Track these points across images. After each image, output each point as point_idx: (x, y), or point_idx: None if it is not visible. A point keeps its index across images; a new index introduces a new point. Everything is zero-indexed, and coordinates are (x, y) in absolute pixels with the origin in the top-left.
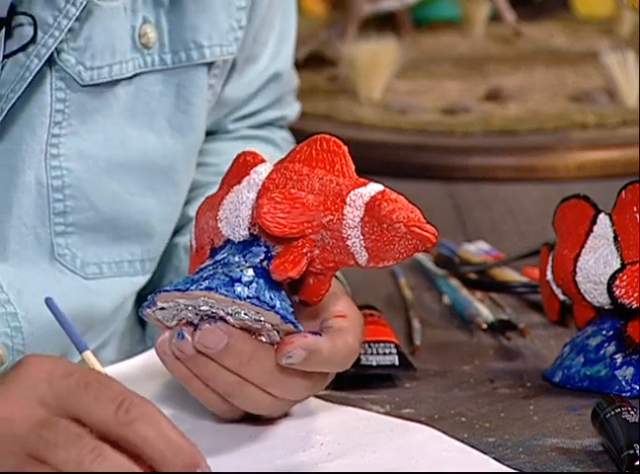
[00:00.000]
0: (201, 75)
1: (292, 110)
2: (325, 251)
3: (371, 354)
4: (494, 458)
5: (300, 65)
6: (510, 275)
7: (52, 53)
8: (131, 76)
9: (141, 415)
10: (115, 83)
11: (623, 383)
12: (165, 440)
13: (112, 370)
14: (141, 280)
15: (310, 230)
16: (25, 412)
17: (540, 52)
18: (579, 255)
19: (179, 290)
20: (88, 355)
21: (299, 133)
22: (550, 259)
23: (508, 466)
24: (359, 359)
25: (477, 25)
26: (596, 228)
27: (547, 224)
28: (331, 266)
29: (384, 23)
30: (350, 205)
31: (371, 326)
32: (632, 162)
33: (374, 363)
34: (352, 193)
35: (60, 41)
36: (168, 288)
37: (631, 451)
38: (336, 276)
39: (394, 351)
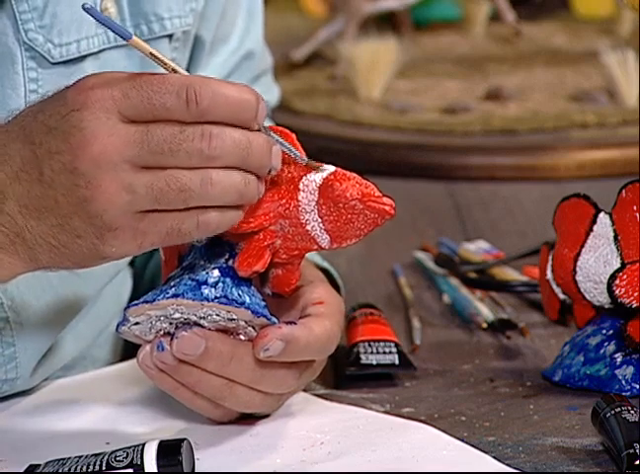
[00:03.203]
0: (163, 47)
1: (272, 94)
2: (287, 240)
3: (371, 353)
4: (494, 457)
5: (300, 65)
6: (510, 274)
7: (20, 34)
8: (98, 51)
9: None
10: (83, 59)
11: (623, 382)
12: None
13: (108, 371)
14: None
15: (268, 222)
16: (114, 137)
17: (540, 52)
18: (579, 254)
19: (147, 302)
20: (136, 40)
21: (299, 133)
22: (550, 258)
23: (508, 465)
24: (359, 358)
25: (477, 25)
26: (596, 227)
27: (547, 223)
28: (295, 254)
29: (384, 23)
30: (303, 191)
31: (372, 325)
32: (632, 162)
33: (374, 362)
34: (304, 178)
35: (27, 21)
36: (137, 302)
37: (631, 451)
38: (317, 266)
39: (394, 350)
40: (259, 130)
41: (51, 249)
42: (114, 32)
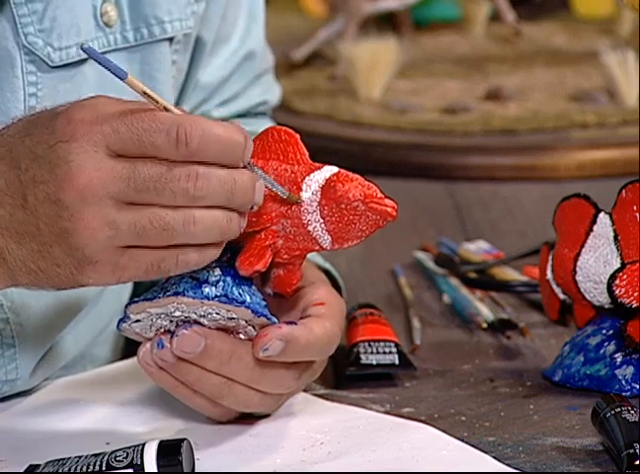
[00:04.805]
0: (164, 50)
1: (273, 94)
2: (288, 240)
3: (372, 353)
4: (494, 457)
5: (300, 65)
6: (510, 274)
7: (20, 37)
8: None
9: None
10: (82, 63)
11: (623, 382)
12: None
13: (108, 370)
14: None
15: (270, 222)
16: (101, 172)
17: (540, 52)
18: (579, 254)
19: (148, 300)
20: (131, 79)
21: (300, 133)
22: (550, 258)
23: (508, 465)
24: (359, 358)
25: (477, 25)
26: (596, 227)
27: (547, 223)
28: (297, 254)
29: (384, 23)
30: (306, 191)
31: (372, 325)
32: (632, 162)
33: (374, 362)
34: (306, 178)
35: (27, 24)
36: (137, 299)
37: (631, 451)
38: (319, 267)
39: (394, 350)
40: (244, 167)
41: (30, 272)
42: (110, 71)
